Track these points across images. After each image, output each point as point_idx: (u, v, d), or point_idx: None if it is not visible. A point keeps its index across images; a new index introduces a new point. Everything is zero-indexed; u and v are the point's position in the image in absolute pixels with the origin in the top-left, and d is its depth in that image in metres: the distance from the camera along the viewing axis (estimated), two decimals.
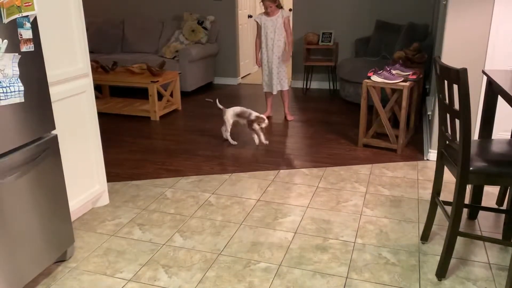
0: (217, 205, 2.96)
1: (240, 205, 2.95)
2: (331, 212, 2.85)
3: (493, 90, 2.50)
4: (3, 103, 1.84)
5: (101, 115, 4.48)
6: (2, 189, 1.87)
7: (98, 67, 5.34)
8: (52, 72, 2.33)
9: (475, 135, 3.34)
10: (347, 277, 2.20)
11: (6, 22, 1.81)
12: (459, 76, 1.88)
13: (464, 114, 1.93)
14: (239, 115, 4.10)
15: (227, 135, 4.14)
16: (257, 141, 4.03)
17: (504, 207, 2.78)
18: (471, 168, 2.01)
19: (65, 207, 2.27)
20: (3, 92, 1.82)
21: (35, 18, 1.95)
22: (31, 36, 1.94)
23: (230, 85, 6.73)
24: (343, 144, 4.09)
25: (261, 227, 2.68)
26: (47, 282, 2.19)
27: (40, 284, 2.18)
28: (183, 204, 2.98)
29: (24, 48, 1.91)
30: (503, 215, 2.69)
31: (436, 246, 2.45)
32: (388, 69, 3.84)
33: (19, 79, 1.89)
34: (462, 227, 2.63)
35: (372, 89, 3.81)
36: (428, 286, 2.13)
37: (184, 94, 5.90)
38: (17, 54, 1.87)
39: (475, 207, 2.60)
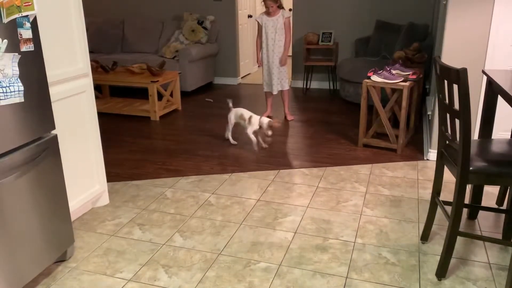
0: (217, 205, 2.96)
1: (240, 205, 2.95)
2: (331, 212, 2.85)
3: (493, 90, 2.50)
4: (3, 103, 1.83)
5: (101, 115, 4.48)
6: (2, 189, 1.87)
7: (98, 67, 5.33)
8: (52, 72, 2.33)
9: (475, 135, 3.34)
10: (347, 277, 2.20)
11: (6, 22, 1.81)
12: (459, 76, 1.88)
13: (464, 114, 1.93)
14: (240, 117, 4.09)
15: (228, 134, 4.14)
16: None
17: (504, 207, 2.78)
18: (471, 168, 2.01)
19: (65, 207, 2.27)
20: (3, 92, 1.82)
21: (35, 18, 1.95)
22: (31, 36, 1.94)
23: (230, 85, 6.73)
24: (343, 144, 4.09)
25: (261, 227, 2.68)
26: (47, 282, 2.19)
27: (40, 284, 2.18)
28: (183, 204, 2.98)
29: (24, 48, 1.91)
30: (503, 215, 2.68)
31: (436, 246, 2.45)
32: (388, 69, 3.84)
33: (19, 79, 1.89)
34: (462, 227, 2.63)
35: (372, 89, 3.81)
36: (428, 286, 2.13)
37: (184, 94, 5.90)
38: (17, 54, 1.87)
39: (475, 207, 2.60)
